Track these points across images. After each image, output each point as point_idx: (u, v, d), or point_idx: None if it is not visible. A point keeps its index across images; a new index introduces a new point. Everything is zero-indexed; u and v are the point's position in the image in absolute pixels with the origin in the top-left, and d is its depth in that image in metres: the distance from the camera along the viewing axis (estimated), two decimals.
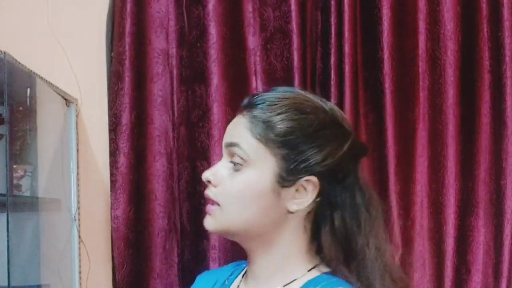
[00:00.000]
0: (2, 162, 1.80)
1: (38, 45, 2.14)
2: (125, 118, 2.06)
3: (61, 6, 2.17)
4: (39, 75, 1.94)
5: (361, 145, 1.14)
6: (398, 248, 2.04)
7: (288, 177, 1.04)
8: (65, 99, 2.10)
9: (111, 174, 2.06)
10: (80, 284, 2.08)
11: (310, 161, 1.05)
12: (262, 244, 1.08)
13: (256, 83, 2.07)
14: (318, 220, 1.08)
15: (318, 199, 1.06)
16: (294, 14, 2.05)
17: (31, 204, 1.96)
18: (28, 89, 1.88)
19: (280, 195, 1.05)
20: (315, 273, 1.07)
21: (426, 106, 2.08)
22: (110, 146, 2.07)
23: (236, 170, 1.05)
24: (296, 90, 1.15)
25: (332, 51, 2.04)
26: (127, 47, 2.06)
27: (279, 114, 1.05)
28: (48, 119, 2.04)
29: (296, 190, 1.06)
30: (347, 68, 2.03)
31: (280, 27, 2.07)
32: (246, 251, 1.12)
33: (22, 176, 1.96)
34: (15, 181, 1.93)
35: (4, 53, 1.69)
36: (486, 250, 2.07)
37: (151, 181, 2.08)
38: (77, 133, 2.13)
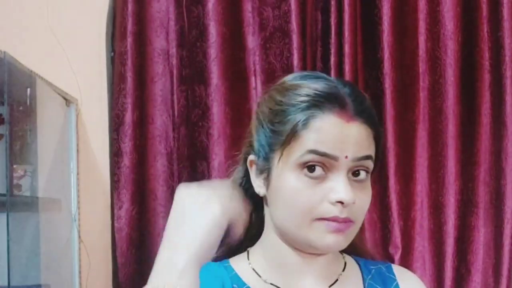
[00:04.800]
0: (2, 162, 1.80)
1: (38, 45, 2.14)
2: (128, 118, 2.06)
3: (61, 6, 2.17)
4: (39, 75, 1.94)
5: None
6: (398, 248, 2.05)
7: None
8: (65, 99, 2.10)
9: (114, 174, 2.06)
10: (80, 284, 2.08)
11: None
12: None
13: (256, 82, 2.08)
14: None
15: None
16: (294, 13, 2.05)
17: (31, 204, 1.95)
18: (28, 89, 1.88)
19: None
20: (343, 258, 1.07)
21: (426, 106, 2.07)
22: (112, 146, 2.07)
23: (363, 181, 0.97)
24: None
25: (332, 51, 2.04)
26: (129, 47, 2.06)
27: (374, 116, 0.99)
28: (48, 119, 2.03)
29: None
30: (347, 68, 2.03)
31: (280, 27, 2.07)
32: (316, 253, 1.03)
33: (22, 176, 1.96)
34: (15, 181, 1.93)
35: (4, 53, 1.69)
36: (486, 250, 2.06)
37: (151, 181, 2.09)
38: (77, 133, 2.13)
